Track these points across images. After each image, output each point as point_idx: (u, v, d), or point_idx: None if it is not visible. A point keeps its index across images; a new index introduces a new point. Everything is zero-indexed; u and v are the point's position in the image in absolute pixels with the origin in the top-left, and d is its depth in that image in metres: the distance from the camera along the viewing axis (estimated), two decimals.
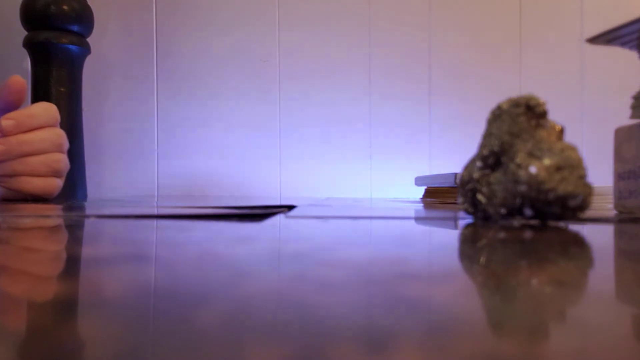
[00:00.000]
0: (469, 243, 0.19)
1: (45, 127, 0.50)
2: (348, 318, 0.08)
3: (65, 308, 0.08)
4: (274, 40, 0.94)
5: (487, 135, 0.24)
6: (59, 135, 0.51)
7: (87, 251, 0.16)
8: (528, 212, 0.22)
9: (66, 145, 0.52)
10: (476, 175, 0.24)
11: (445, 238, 0.21)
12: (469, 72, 0.95)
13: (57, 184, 0.52)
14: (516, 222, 0.23)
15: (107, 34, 0.91)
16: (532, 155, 0.22)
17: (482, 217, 0.24)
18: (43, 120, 0.50)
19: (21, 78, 0.50)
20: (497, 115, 0.24)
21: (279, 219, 0.27)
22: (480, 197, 0.24)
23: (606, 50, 0.35)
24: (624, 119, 0.31)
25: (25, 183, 0.49)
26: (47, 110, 0.51)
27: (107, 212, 0.32)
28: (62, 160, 0.51)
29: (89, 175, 0.80)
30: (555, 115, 0.23)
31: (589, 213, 0.22)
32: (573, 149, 0.22)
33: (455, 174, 0.57)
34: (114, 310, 0.08)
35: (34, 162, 0.49)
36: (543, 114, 0.23)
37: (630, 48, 0.30)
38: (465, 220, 0.26)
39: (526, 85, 0.95)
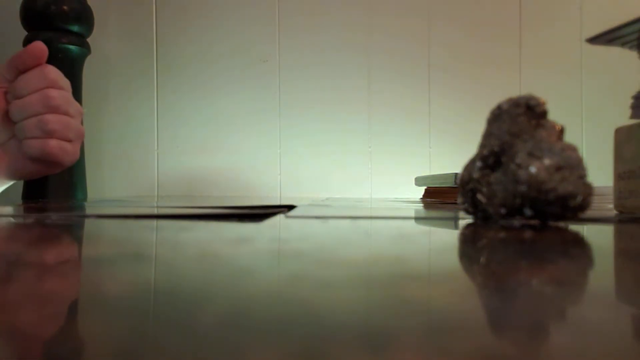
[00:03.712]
0: (469, 243, 0.19)
1: (37, 89, 0.48)
2: (348, 318, 0.08)
3: (65, 307, 0.08)
4: (274, 40, 0.94)
5: (487, 135, 0.24)
6: (49, 97, 0.49)
7: (87, 251, 0.16)
8: (528, 212, 0.22)
9: (64, 107, 0.49)
10: (476, 175, 0.24)
11: (445, 238, 0.21)
12: (469, 72, 0.95)
13: (56, 145, 0.49)
14: (516, 222, 0.23)
15: (107, 34, 0.91)
16: (532, 155, 0.22)
17: (482, 217, 0.24)
18: (33, 84, 0.48)
19: (43, 44, 0.49)
20: (497, 115, 0.24)
21: (279, 219, 0.27)
22: (480, 197, 0.24)
23: (606, 50, 0.35)
24: (624, 119, 0.31)
25: (27, 146, 0.49)
26: (40, 73, 0.49)
27: (107, 212, 0.32)
28: (53, 121, 0.49)
29: (89, 175, 0.80)
30: (555, 115, 0.23)
31: (589, 213, 0.22)
32: (573, 149, 0.22)
33: (455, 174, 0.57)
34: (114, 310, 0.08)
35: (26, 125, 0.48)
36: (543, 114, 0.23)
37: (630, 48, 0.30)
38: (465, 220, 0.26)
39: (526, 85, 0.95)
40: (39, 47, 0.49)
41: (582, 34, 0.94)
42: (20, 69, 0.49)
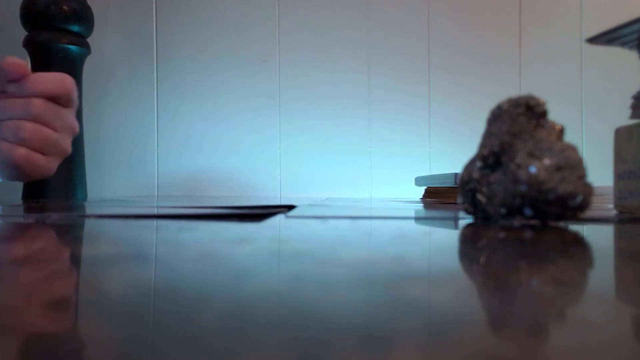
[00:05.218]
0: (469, 243, 0.19)
1: (26, 94, 0.45)
2: (348, 318, 0.08)
3: (65, 308, 0.08)
4: (274, 40, 0.94)
5: (487, 135, 0.24)
6: (31, 105, 0.45)
7: (87, 251, 0.16)
8: (528, 212, 0.22)
9: (46, 118, 0.46)
10: (476, 175, 0.24)
11: (445, 238, 0.21)
12: (469, 72, 0.95)
13: (24, 154, 0.45)
14: (516, 222, 0.23)
15: (107, 34, 0.91)
16: (532, 155, 0.22)
17: (482, 217, 0.24)
18: (24, 88, 0.45)
19: (17, 59, 0.45)
20: (497, 115, 0.24)
21: (279, 219, 0.27)
22: (480, 197, 0.24)
23: (606, 50, 0.35)
24: (624, 119, 0.31)
25: None
26: (34, 79, 0.45)
27: (107, 212, 0.32)
28: (28, 129, 0.45)
29: (89, 175, 0.80)
30: (555, 115, 0.23)
31: (589, 213, 0.22)
32: (573, 149, 0.22)
33: (455, 174, 0.57)
34: (114, 310, 0.08)
35: (3, 126, 0.45)
36: (543, 114, 0.23)
37: (630, 48, 0.30)
38: (465, 220, 0.26)
39: (526, 85, 0.95)
40: (14, 64, 0.45)
41: (582, 34, 0.94)
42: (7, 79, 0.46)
